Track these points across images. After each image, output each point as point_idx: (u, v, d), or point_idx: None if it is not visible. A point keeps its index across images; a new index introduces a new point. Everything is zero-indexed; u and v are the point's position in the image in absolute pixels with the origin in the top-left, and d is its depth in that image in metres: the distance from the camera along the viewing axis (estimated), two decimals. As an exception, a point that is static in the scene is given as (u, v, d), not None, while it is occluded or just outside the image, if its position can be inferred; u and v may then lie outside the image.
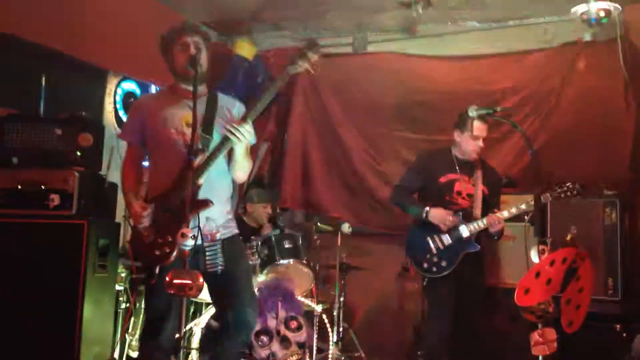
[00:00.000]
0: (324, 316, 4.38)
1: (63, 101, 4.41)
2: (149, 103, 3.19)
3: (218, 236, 2.97)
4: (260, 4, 5.44)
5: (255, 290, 4.17)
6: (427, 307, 4.17)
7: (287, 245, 4.56)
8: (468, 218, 3.95)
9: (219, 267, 2.96)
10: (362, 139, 5.74)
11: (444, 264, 3.90)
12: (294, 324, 4.21)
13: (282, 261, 4.48)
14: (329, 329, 4.38)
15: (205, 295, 3.38)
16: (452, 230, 3.93)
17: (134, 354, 4.30)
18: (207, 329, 4.06)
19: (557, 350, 3.02)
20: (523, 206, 3.83)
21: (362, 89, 5.78)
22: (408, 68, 5.65)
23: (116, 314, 4.23)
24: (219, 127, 2.98)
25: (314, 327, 4.27)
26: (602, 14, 4.55)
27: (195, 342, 4.10)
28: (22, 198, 3.77)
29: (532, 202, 3.60)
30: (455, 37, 5.60)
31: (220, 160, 2.95)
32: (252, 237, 4.51)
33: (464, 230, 3.92)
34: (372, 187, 5.59)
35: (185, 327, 4.15)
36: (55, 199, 3.76)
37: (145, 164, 3.18)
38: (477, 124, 3.91)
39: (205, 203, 2.79)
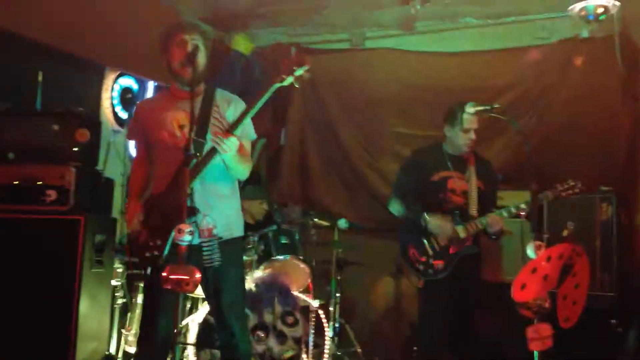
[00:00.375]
0: (321, 312, 4.38)
1: (60, 97, 4.41)
2: (148, 105, 3.24)
3: (215, 232, 2.97)
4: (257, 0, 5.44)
5: (252, 286, 4.19)
6: (420, 309, 3.95)
7: (283, 241, 4.58)
8: (464, 217, 3.81)
9: (216, 263, 2.97)
10: (359, 135, 5.74)
11: (440, 266, 3.77)
12: (290, 320, 4.22)
13: (278, 257, 4.50)
14: (325, 325, 4.38)
15: (200, 291, 3.38)
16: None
17: (131, 349, 4.30)
18: (204, 324, 4.07)
19: (552, 345, 3.02)
20: (523, 205, 3.73)
21: (359, 85, 5.77)
22: (405, 64, 5.65)
23: (112, 309, 4.23)
24: (214, 130, 2.96)
25: (310, 323, 4.28)
26: (600, 10, 4.56)
27: (191, 337, 4.11)
28: (19, 193, 3.78)
29: (529, 202, 3.56)
30: (452, 33, 5.59)
31: (218, 160, 2.95)
32: (249, 233, 4.52)
33: (461, 231, 3.78)
34: (369, 184, 5.59)
35: (181, 323, 4.18)
36: (52, 195, 3.77)
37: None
38: (466, 116, 3.79)
39: (192, 211, 2.77)
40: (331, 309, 4.66)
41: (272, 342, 4.13)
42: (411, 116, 5.54)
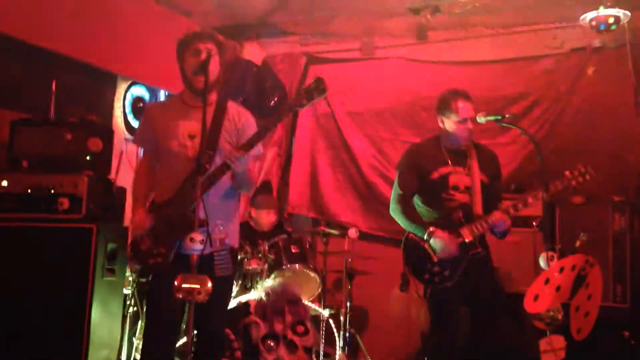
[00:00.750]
0: (331, 321, 4.37)
1: (73, 106, 4.44)
2: (158, 111, 3.20)
3: (227, 241, 2.98)
4: (269, 9, 5.46)
5: (263, 295, 4.19)
6: (430, 320, 3.67)
7: (294, 250, 4.58)
8: (468, 216, 3.51)
9: (227, 272, 2.98)
10: (370, 144, 5.75)
11: (446, 273, 3.47)
12: (300, 329, 4.20)
13: (289, 266, 4.49)
14: (336, 334, 4.38)
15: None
16: (454, 233, 3.49)
17: (141, 358, 4.30)
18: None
19: (565, 357, 3.00)
20: (530, 199, 3.45)
21: (369, 94, 5.79)
22: (415, 73, 5.66)
23: (124, 317, 4.24)
24: (224, 143, 2.98)
25: (321, 332, 4.27)
26: (611, 20, 4.54)
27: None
28: (32, 202, 3.80)
29: (539, 195, 3.37)
30: (463, 42, 5.60)
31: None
32: (260, 242, 4.52)
33: (466, 232, 3.48)
34: (380, 193, 5.59)
35: (193, 332, 4.17)
36: (65, 203, 3.78)
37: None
38: (461, 104, 3.51)
39: (202, 223, 2.77)
40: (342, 318, 4.65)
41: (283, 351, 4.12)
42: (422, 126, 5.53)
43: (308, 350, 4.17)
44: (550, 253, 3.09)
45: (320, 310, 4.36)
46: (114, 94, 5.11)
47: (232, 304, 4.15)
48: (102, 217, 3.90)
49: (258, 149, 3.09)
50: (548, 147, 4.94)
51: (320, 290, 4.58)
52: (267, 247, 4.45)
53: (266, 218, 5.00)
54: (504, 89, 5.31)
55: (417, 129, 5.55)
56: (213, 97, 3.09)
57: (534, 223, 4.52)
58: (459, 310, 3.57)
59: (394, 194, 3.69)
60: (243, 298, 4.28)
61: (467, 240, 3.48)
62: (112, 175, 4.24)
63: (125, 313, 4.29)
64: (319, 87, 2.82)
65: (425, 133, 5.49)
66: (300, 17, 5.53)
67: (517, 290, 4.32)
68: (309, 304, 4.35)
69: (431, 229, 3.46)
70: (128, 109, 5.20)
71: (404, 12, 5.25)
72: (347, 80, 5.83)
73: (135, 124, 5.20)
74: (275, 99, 5.83)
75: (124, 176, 4.60)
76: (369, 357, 4.84)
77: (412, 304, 5.36)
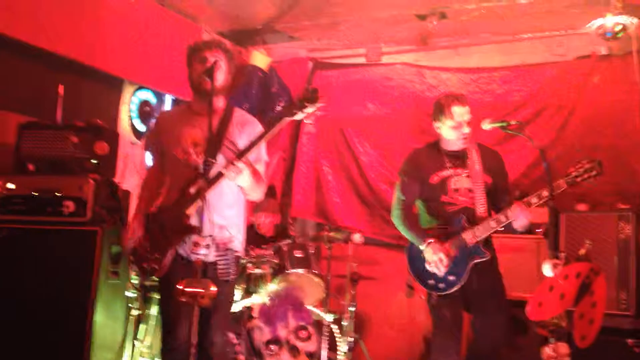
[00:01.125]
0: (334, 326, 4.37)
1: (80, 109, 4.47)
2: (166, 119, 3.26)
3: (230, 245, 2.99)
4: (275, 15, 5.48)
5: (267, 299, 4.19)
6: (433, 328, 3.58)
7: (298, 255, 4.58)
8: (471, 219, 3.43)
9: (231, 277, 2.99)
10: (375, 150, 5.76)
11: (451, 278, 3.39)
12: (303, 334, 4.20)
13: (293, 270, 4.50)
14: (339, 339, 4.37)
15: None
16: (456, 238, 3.42)
17: (144, 361, 4.31)
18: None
19: (569, 365, 3.00)
20: (545, 192, 3.30)
21: (374, 99, 5.80)
22: (421, 80, 5.67)
23: (127, 320, 4.25)
24: (226, 151, 2.96)
25: (324, 337, 4.27)
26: (618, 27, 4.54)
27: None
28: (38, 205, 3.82)
29: (555, 188, 3.28)
30: (469, 49, 5.61)
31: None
32: (264, 246, 4.53)
33: (467, 236, 3.39)
34: (384, 198, 5.58)
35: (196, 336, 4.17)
36: (70, 206, 3.80)
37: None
38: (455, 109, 3.45)
39: (193, 229, 2.78)
40: (345, 323, 4.64)
41: (285, 356, 4.11)
42: (427, 131, 5.50)
43: (311, 356, 4.17)
44: (554, 260, 3.08)
45: (324, 315, 4.36)
46: (120, 97, 5.14)
47: (236, 308, 4.15)
48: (107, 220, 3.91)
49: (262, 155, 3.09)
50: (553, 154, 4.93)
51: (323, 295, 4.57)
52: (270, 252, 4.46)
53: (263, 222, 5.00)
54: (509, 96, 5.32)
55: (422, 135, 5.53)
56: (221, 104, 3.10)
57: (539, 230, 4.52)
58: (462, 316, 3.51)
59: (395, 199, 3.65)
60: (246, 302, 4.28)
61: (470, 245, 3.40)
62: (117, 179, 4.25)
63: (129, 316, 4.30)
64: (313, 97, 2.76)
65: (430, 138, 5.51)
66: (307, 22, 5.55)
67: (520, 298, 4.32)
68: (313, 308, 4.35)
69: (428, 240, 3.41)
70: (134, 113, 5.23)
71: (410, 18, 5.27)
72: (353, 86, 5.84)
73: (141, 127, 5.23)
74: (282, 104, 5.85)
75: (129, 180, 4.62)
76: (372, 362, 4.84)
77: (416, 310, 5.36)
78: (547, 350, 2.95)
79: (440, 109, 3.52)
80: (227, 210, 3.01)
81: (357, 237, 4.83)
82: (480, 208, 3.44)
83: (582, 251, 3.61)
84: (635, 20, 4.50)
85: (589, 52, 5.11)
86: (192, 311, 2.59)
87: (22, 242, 3.77)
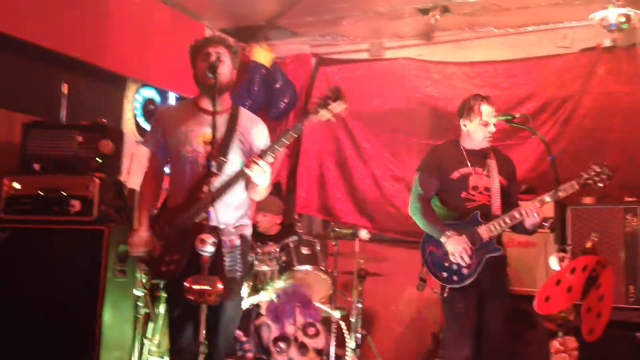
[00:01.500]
0: (342, 323, 4.37)
1: (83, 108, 4.48)
2: (170, 115, 3.19)
3: (237, 243, 2.99)
4: (278, 11, 5.48)
5: (274, 296, 4.20)
6: (445, 323, 3.67)
7: (304, 252, 4.58)
8: (486, 215, 3.52)
9: (238, 274, 2.98)
10: (379, 145, 5.74)
11: (465, 271, 3.46)
12: (311, 331, 4.21)
13: (300, 267, 4.50)
14: (347, 336, 4.37)
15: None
16: (471, 233, 3.50)
17: (153, 359, 4.32)
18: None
19: (577, 358, 2.99)
20: (561, 193, 3.39)
21: (378, 95, 5.78)
22: (425, 74, 5.65)
23: (135, 318, 4.26)
24: (236, 150, 2.98)
25: (332, 334, 4.27)
26: (621, 19, 4.52)
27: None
28: (44, 204, 3.83)
29: (565, 188, 3.36)
30: (472, 43, 5.59)
31: (236, 164, 2.96)
32: (270, 243, 4.52)
33: (483, 231, 3.48)
34: (390, 193, 5.58)
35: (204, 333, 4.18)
36: (76, 205, 3.81)
37: (167, 170, 3.22)
38: (484, 107, 3.59)
39: (214, 229, 2.75)
40: (352, 320, 4.64)
41: (294, 353, 4.13)
42: (431, 126, 5.52)
43: (319, 352, 4.17)
44: (561, 254, 3.08)
45: (331, 311, 4.36)
46: (124, 96, 5.14)
47: (244, 305, 4.15)
48: (114, 219, 3.92)
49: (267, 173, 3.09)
50: (558, 147, 4.91)
51: (331, 291, 4.57)
52: (277, 249, 4.46)
53: (271, 222, 4.99)
54: (513, 89, 5.29)
55: (426, 129, 5.54)
56: (228, 102, 3.09)
57: (545, 224, 4.50)
58: (475, 309, 3.52)
59: (414, 193, 3.73)
60: (254, 299, 4.29)
61: (484, 240, 3.49)
62: (123, 177, 4.26)
63: (137, 314, 4.31)
64: (335, 95, 2.75)
65: (435, 133, 5.53)
66: (309, 18, 5.55)
67: (527, 292, 4.31)
68: (320, 305, 4.35)
69: (448, 233, 3.48)
70: (139, 111, 5.23)
71: (413, 12, 5.26)
72: (356, 81, 5.83)
73: (145, 125, 5.23)
74: (286, 100, 5.84)
75: (134, 178, 4.63)
76: (380, 358, 4.83)
77: (423, 306, 5.35)
78: (555, 344, 2.95)
79: (469, 107, 3.65)
80: (234, 207, 3.01)
81: (363, 234, 4.82)
82: (495, 207, 3.56)
83: (589, 244, 3.61)
84: (639, 11, 4.47)
85: (593, 44, 5.08)
86: (199, 309, 2.59)
87: (29, 242, 3.79)
